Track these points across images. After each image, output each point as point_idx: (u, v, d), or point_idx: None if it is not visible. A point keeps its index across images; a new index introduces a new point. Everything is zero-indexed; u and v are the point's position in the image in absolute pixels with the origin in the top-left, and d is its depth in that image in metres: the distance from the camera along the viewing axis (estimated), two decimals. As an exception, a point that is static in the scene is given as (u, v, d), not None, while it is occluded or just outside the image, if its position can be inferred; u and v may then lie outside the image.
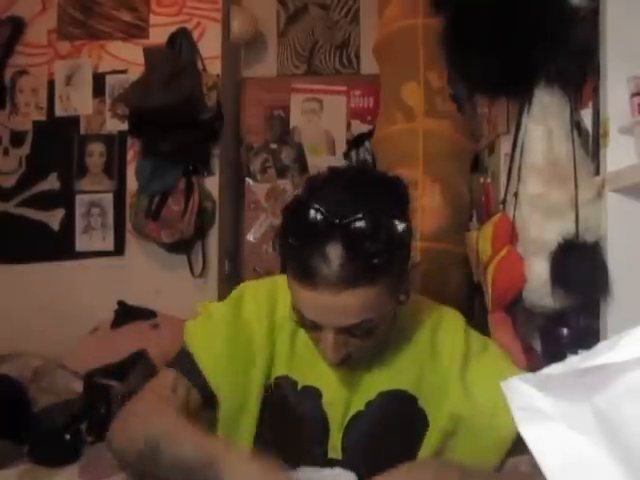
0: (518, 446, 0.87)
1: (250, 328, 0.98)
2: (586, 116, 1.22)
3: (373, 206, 0.82)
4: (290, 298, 0.90)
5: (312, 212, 0.82)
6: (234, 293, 1.04)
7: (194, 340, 1.00)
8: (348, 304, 0.82)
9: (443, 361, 0.96)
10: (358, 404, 0.94)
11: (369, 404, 0.94)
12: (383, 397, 0.94)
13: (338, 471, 0.90)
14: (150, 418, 0.92)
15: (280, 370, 0.97)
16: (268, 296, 1.01)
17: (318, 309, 0.84)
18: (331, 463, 0.93)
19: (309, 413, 0.95)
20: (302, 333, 0.97)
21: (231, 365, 0.96)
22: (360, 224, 0.81)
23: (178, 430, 0.87)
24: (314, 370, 0.95)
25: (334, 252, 0.80)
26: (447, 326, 0.99)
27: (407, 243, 0.87)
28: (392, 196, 0.88)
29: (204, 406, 0.98)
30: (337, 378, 0.94)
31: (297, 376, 0.96)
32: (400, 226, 0.84)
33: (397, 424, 0.95)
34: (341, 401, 0.94)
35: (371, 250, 0.81)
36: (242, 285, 1.06)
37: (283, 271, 0.89)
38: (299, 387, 0.96)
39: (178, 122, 2.29)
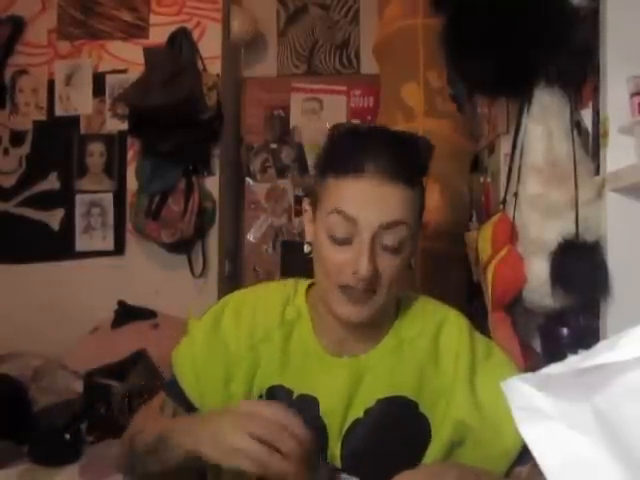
0: (524, 456, 0.86)
1: (228, 342, 0.98)
2: (586, 116, 1.22)
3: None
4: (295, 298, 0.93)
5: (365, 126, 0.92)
6: (215, 307, 1.03)
7: (176, 360, 1.02)
8: (390, 197, 0.85)
9: (446, 366, 0.94)
10: (356, 411, 0.93)
11: (368, 411, 0.92)
12: (382, 404, 0.92)
13: (345, 477, 0.89)
14: (134, 435, 0.98)
15: (273, 380, 0.95)
16: (250, 307, 1.00)
17: (362, 200, 0.85)
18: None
19: (306, 422, 0.91)
20: (294, 341, 0.96)
21: (210, 381, 0.97)
22: (402, 134, 0.92)
23: (147, 427, 0.94)
24: (310, 378, 0.94)
25: (381, 146, 0.87)
26: (450, 329, 0.97)
27: (424, 185, 0.94)
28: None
29: None
30: (334, 386, 0.93)
31: (292, 385, 0.95)
32: (428, 154, 0.93)
33: (397, 431, 0.93)
34: (339, 409, 0.92)
35: (412, 154, 0.89)
36: (225, 298, 1.05)
37: (319, 180, 0.92)
38: (295, 396, 0.94)
39: (178, 122, 2.29)
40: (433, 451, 0.92)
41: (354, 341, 0.95)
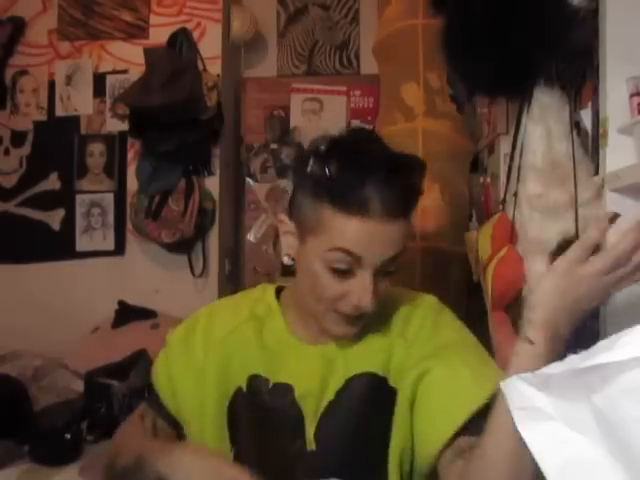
0: (474, 424, 0.82)
1: (196, 342, 1.01)
2: (585, 116, 1.22)
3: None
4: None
5: (360, 148, 0.87)
6: (190, 317, 1.06)
7: (154, 372, 1.05)
8: (394, 234, 0.85)
9: (411, 335, 0.95)
10: (329, 394, 0.94)
11: (338, 392, 0.94)
12: (351, 383, 0.94)
13: None
14: (112, 450, 1.02)
15: (251, 369, 0.97)
16: (221, 310, 1.05)
17: (367, 240, 0.84)
18: (307, 456, 0.93)
19: (282, 409, 0.94)
20: (267, 333, 0.98)
21: (184, 390, 1.00)
22: (399, 159, 0.87)
23: (128, 446, 0.97)
24: (285, 367, 0.96)
25: (386, 184, 0.83)
26: (420, 310, 0.99)
27: None
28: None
29: (174, 431, 1.03)
30: (307, 372, 0.94)
31: (269, 374, 0.96)
32: (423, 175, 0.90)
33: (367, 407, 0.93)
34: (313, 394, 0.94)
35: (411, 183, 0.87)
36: (198, 312, 1.08)
37: (314, 208, 0.87)
38: (270, 385, 0.96)
39: (178, 122, 2.29)
40: (398, 417, 0.91)
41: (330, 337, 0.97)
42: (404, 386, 0.92)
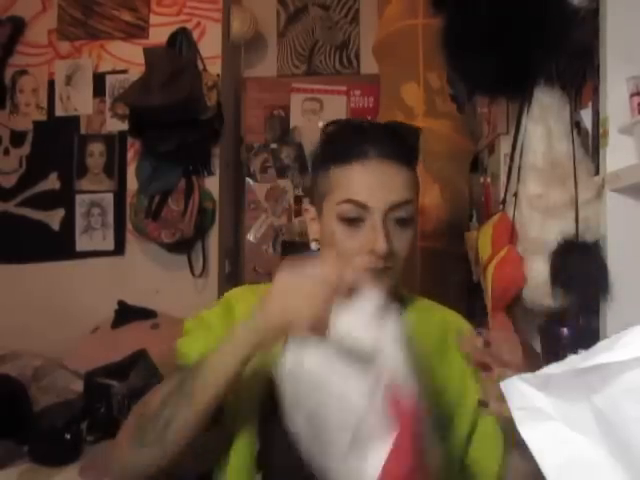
0: None
1: (236, 321, 0.94)
2: (586, 116, 1.22)
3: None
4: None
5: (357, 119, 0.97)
6: (221, 300, 1.01)
7: (183, 348, 0.95)
8: (396, 178, 0.90)
9: (456, 356, 0.94)
10: None
11: None
12: None
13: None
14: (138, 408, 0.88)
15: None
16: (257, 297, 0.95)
17: (370, 185, 0.89)
18: None
19: None
20: None
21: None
22: (392, 122, 0.97)
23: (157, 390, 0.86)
24: None
25: (380, 132, 0.92)
26: (459, 322, 1.01)
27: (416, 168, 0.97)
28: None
29: None
30: None
31: None
32: (417, 138, 0.97)
33: None
34: None
35: (407, 137, 0.94)
36: (226, 294, 1.03)
37: (318, 172, 0.95)
38: None
39: (178, 122, 2.29)
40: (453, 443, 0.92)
41: None
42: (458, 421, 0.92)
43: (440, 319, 1.01)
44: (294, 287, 0.77)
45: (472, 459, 0.93)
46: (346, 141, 0.92)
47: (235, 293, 1.03)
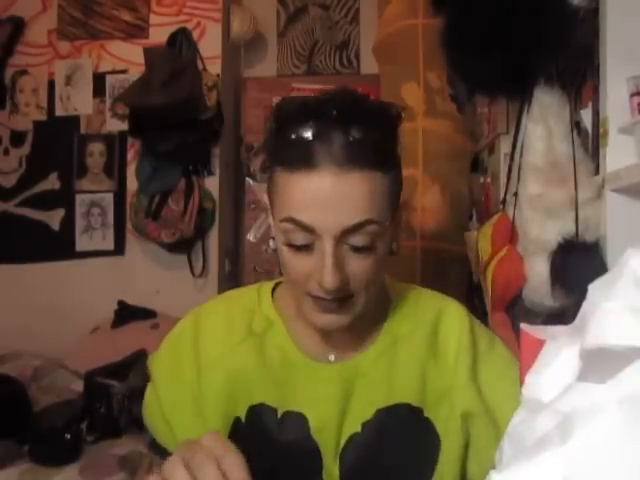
0: None
1: (185, 368, 0.82)
2: (586, 116, 1.22)
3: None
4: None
5: (308, 101, 0.71)
6: (170, 336, 0.89)
7: (145, 414, 0.87)
8: (350, 193, 0.66)
9: (448, 362, 0.81)
10: (352, 425, 0.78)
11: (366, 424, 0.78)
12: (382, 414, 0.78)
13: None
14: None
15: (252, 398, 0.79)
16: (211, 325, 0.84)
17: (317, 201, 0.66)
18: None
19: (296, 444, 0.78)
20: (269, 352, 0.81)
21: (182, 420, 0.82)
22: (366, 103, 0.72)
23: None
24: (294, 392, 0.79)
25: (335, 124, 0.67)
26: (449, 322, 0.84)
27: (399, 158, 0.75)
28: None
29: None
30: (323, 398, 0.78)
31: (275, 402, 0.79)
32: (398, 124, 0.73)
33: (401, 443, 0.79)
34: (332, 424, 0.78)
35: (379, 125, 0.70)
36: (181, 323, 0.90)
37: (266, 171, 0.74)
38: (279, 415, 0.78)
39: (178, 122, 2.29)
40: (447, 457, 0.80)
41: (340, 342, 0.81)
42: (445, 426, 0.80)
43: (432, 320, 0.84)
44: None
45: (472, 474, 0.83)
46: (291, 135, 0.68)
47: (188, 326, 0.88)
